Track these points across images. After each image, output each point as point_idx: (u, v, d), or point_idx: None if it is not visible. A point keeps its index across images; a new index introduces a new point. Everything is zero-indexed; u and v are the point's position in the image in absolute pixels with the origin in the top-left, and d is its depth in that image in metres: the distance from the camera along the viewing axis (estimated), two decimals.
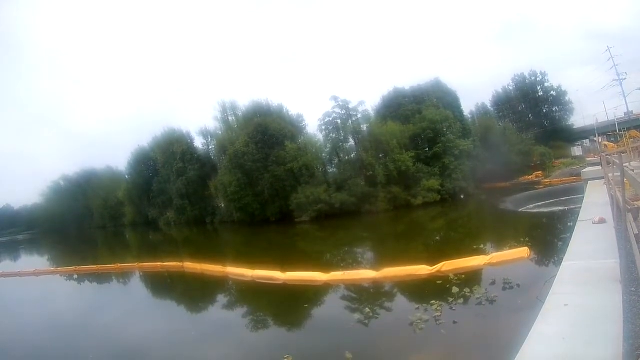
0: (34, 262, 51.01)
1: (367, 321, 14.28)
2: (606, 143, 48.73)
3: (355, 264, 27.18)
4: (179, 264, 31.02)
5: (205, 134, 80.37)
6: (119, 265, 35.89)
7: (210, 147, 79.47)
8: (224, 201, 68.93)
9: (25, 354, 16.02)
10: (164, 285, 29.53)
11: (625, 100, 77.15)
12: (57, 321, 20.92)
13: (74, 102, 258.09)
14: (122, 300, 26.93)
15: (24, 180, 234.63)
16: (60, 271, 38.59)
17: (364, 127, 60.38)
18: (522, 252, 17.70)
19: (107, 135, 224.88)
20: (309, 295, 19.82)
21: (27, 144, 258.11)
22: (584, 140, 79.99)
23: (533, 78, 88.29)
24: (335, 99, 60.98)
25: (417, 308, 14.15)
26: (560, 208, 31.68)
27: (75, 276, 35.23)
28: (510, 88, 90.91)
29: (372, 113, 64.37)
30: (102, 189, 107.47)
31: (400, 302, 17.47)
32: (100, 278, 34.00)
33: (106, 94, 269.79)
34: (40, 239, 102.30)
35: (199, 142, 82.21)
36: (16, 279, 36.91)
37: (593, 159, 42.31)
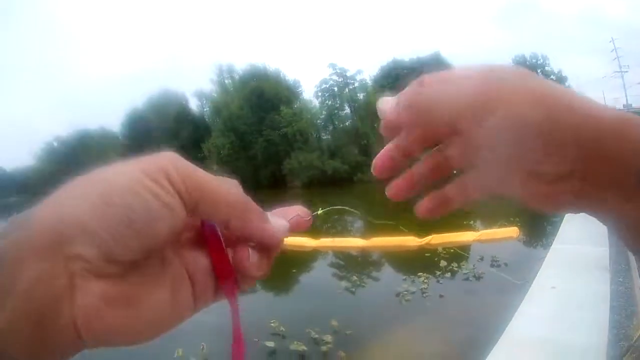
0: None
1: (354, 289, 14.38)
2: None
3: (344, 231, 27.29)
4: None
5: (200, 96, 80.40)
6: None
7: (205, 109, 79.67)
8: (217, 164, 68.90)
9: None
10: None
11: (626, 92, 77.11)
12: None
13: (67, 62, 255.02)
14: None
15: (17, 142, 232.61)
16: None
17: (361, 96, 60.24)
18: (512, 231, 17.20)
19: (101, 96, 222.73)
20: (297, 261, 19.85)
21: (20, 105, 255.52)
22: None
23: (534, 61, 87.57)
24: (333, 66, 60.81)
25: (405, 279, 14.26)
26: None
27: None
28: None
29: (369, 82, 64.13)
30: (96, 150, 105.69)
31: (388, 272, 17.57)
32: None
33: (100, 54, 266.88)
34: (33, 203, 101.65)
35: (193, 104, 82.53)
36: None
37: None
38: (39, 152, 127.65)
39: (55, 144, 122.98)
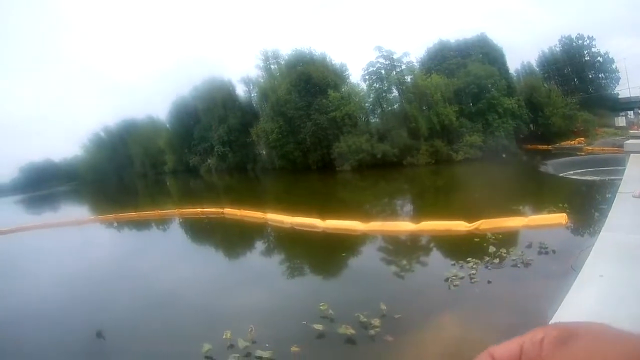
0: (74, 212, 51.91)
1: (402, 274, 14.45)
2: None
3: (394, 215, 27.30)
4: (219, 210, 31.47)
5: (247, 82, 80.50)
6: (159, 212, 36.56)
7: (252, 95, 79.61)
8: (265, 148, 69.32)
9: (64, 299, 16.50)
10: (203, 232, 30.16)
11: None
12: (93, 269, 21.39)
13: (114, 53, 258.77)
14: (160, 246, 27.70)
15: (65, 133, 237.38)
16: (100, 219, 39.25)
17: (408, 79, 59.59)
18: (560, 217, 17.46)
19: (147, 86, 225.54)
20: (346, 245, 20.03)
21: (68, 97, 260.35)
22: (629, 112, 77.65)
23: (580, 41, 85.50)
24: (379, 49, 60.24)
25: (453, 264, 14.30)
26: (600, 177, 30.98)
27: (115, 224, 36.08)
28: (557, 50, 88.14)
29: (416, 65, 63.47)
30: (142, 138, 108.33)
31: (437, 257, 17.60)
32: (140, 225, 34.78)
33: (146, 45, 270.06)
34: (81, 190, 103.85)
35: (240, 91, 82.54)
36: (57, 229, 37.58)
37: (637, 131, 41.32)
38: (86, 143, 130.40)
39: (102, 134, 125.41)
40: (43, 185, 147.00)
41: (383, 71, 60.14)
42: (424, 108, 55.54)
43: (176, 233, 32.14)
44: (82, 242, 30.49)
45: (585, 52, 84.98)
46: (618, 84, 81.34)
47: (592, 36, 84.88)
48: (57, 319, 14.17)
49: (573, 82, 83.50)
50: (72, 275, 20.75)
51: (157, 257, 23.24)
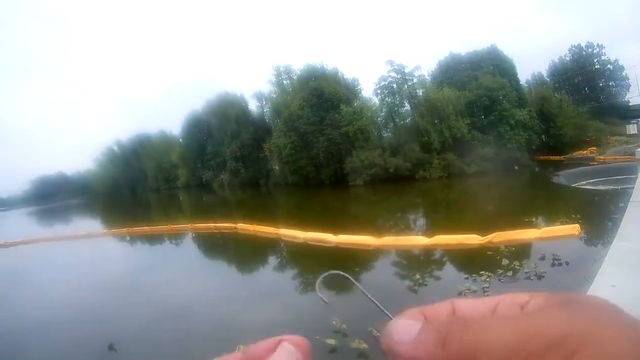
0: (86, 225, 52.18)
1: (416, 288, 14.45)
2: None
3: (407, 229, 27.30)
4: (232, 225, 31.43)
5: (259, 97, 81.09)
6: (172, 226, 36.59)
7: (265, 110, 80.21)
8: (278, 164, 69.45)
9: (76, 312, 16.62)
10: (216, 246, 30.31)
11: None
12: (105, 282, 21.57)
13: (128, 68, 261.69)
14: (172, 260, 27.87)
15: (77, 147, 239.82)
16: (112, 233, 39.48)
17: (420, 92, 59.77)
18: (573, 228, 17.38)
19: (159, 102, 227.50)
20: (359, 259, 20.02)
21: (81, 111, 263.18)
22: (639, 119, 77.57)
23: (590, 50, 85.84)
24: (390, 62, 60.43)
25: (466, 278, 14.29)
26: (612, 187, 30.94)
27: (127, 237, 36.15)
28: (567, 59, 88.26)
29: (427, 78, 63.72)
30: (155, 153, 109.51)
31: (450, 270, 17.58)
32: (153, 239, 34.93)
33: (160, 60, 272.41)
34: (93, 203, 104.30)
35: (253, 106, 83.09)
36: (69, 242, 37.79)
37: None
38: (99, 156, 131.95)
39: (115, 148, 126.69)
40: (55, 197, 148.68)
41: (395, 85, 60.34)
42: (436, 121, 55.60)
43: (189, 247, 32.33)
44: (93, 255, 30.76)
45: (595, 60, 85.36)
46: (628, 91, 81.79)
47: (602, 44, 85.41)
48: (68, 331, 14.31)
49: (584, 91, 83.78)
50: (83, 288, 20.87)
51: (169, 270, 23.45)
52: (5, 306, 19.10)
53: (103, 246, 34.66)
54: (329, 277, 0.75)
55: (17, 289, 22.19)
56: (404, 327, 0.64)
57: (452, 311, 0.74)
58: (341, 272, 0.99)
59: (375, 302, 0.84)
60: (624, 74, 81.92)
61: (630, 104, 79.53)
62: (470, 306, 0.72)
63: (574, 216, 20.02)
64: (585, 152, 59.08)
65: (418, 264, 18.34)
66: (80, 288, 21.00)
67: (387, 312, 0.79)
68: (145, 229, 37.48)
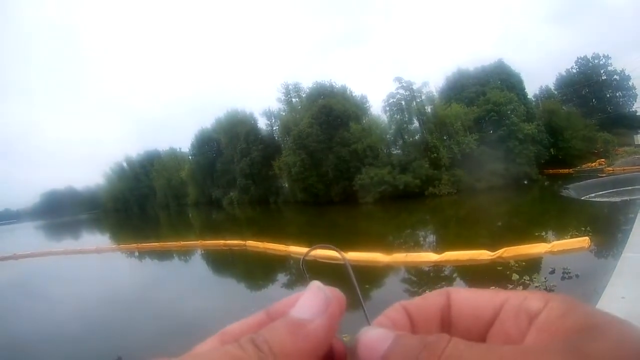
0: (95, 240, 52.45)
1: None
2: None
3: (417, 246, 27.43)
4: (241, 242, 31.79)
5: (268, 115, 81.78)
6: (182, 243, 36.94)
7: (274, 128, 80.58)
8: (288, 181, 69.78)
9: (85, 325, 16.92)
10: (226, 263, 30.84)
11: None
12: (114, 297, 22.13)
13: (139, 86, 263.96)
14: (182, 277, 28.37)
15: (87, 163, 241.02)
16: (121, 248, 40.07)
17: (428, 109, 59.98)
18: (583, 241, 17.69)
19: (169, 119, 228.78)
20: (369, 276, 20.19)
21: (91, 128, 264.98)
22: None
23: (596, 61, 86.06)
24: (399, 79, 60.73)
25: None
26: (622, 198, 31.09)
27: (137, 253, 36.73)
28: (574, 71, 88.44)
29: (436, 94, 63.94)
30: (165, 169, 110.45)
31: (460, 286, 17.62)
32: (162, 255, 35.35)
33: (170, 78, 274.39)
34: (103, 219, 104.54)
35: (262, 123, 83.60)
36: (78, 256, 38.18)
37: None
38: (108, 172, 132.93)
39: (124, 164, 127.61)
40: (64, 212, 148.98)
41: (403, 102, 60.49)
42: (445, 137, 55.99)
43: (199, 264, 32.84)
44: (102, 269, 31.25)
45: (602, 71, 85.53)
46: (635, 101, 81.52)
47: (608, 55, 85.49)
48: (76, 344, 14.71)
49: (591, 103, 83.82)
50: (92, 301, 21.48)
51: (179, 286, 24.01)
52: (15, 318, 19.52)
53: (112, 261, 35.42)
54: (317, 248, 0.81)
55: (27, 301, 22.61)
56: (373, 341, 0.60)
57: (446, 305, 0.70)
58: (328, 245, 0.91)
59: (360, 295, 0.74)
60: (630, 83, 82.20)
61: (638, 114, 79.81)
62: (469, 301, 0.69)
63: (583, 229, 20.23)
64: (594, 164, 59.21)
65: (428, 281, 18.54)
66: (89, 301, 21.61)
67: (365, 311, 0.70)
68: (155, 245, 38.00)
